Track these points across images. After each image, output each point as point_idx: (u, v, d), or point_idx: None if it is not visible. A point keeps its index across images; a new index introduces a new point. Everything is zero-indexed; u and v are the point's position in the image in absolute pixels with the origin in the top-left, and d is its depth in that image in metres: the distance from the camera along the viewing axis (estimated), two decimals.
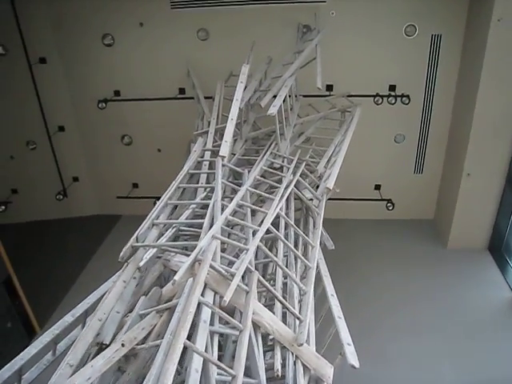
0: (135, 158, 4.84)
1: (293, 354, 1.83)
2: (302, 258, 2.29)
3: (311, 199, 2.84)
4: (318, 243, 2.50)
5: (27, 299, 3.53)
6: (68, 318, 2.04)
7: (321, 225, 2.65)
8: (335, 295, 2.36)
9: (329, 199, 2.88)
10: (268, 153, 3.05)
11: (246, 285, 1.84)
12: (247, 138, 3.34)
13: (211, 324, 1.69)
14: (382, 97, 4.20)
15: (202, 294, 1.70)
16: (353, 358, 1.92)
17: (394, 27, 4.00)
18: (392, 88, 4.21)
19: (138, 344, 1.57)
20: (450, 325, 3.60)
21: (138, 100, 4.50)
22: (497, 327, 3.59)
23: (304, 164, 3.05)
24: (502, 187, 4.07)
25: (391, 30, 4.02)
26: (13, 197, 4.98)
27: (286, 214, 2.59)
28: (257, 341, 1.78)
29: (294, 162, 2.99)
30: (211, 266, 1.74)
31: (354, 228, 4.70)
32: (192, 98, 4.12)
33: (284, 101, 3.35)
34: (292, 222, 2.53)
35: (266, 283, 1.93)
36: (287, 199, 2.71)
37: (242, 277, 1.87)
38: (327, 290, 2.39)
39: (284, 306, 1.96)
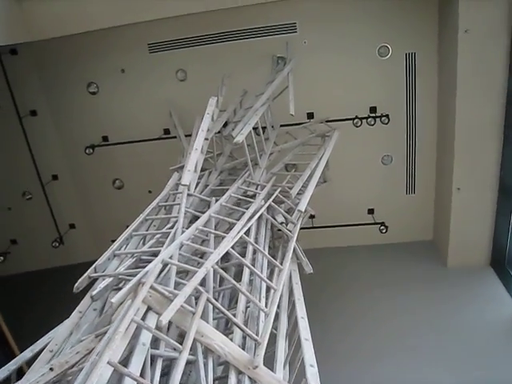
0: (128, 201, 4.85)
1: (250, 378, 1.76)
2: (266, 280, 2.23)
3: (282, 223, 2.80)
4: (287, 266, 2.44)
5: (22, 347, 3.50)
6: (27, 354, 2.01)
7: (292, 247, 2.60)
8: (305, 318, 2.28)
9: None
10: (240, 181, 3.05)
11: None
12: (223, 170, 3.36)
13: (156, 348, 1.65)
14: (360, 119, 4.20)
15: (144, 317, 1.67)
16: (314, 380, 1.83)
17: (368, 50, 4.05)
18: (373, 110, 4.22)
19: (70, 368, 1.53)
20: (457, 346, 3.46)
21: (126, 143, 4.61)
22: (505, 347, 3.42)
23: (279, 190, 3.03)
24: (495, 198, 3.95)
25: (365, 53, 4.07)
26: (12, 247, 5.04)
27: (256, 239, 2.56)
28: (206, 365, 1.72)
29: (267, 188, 2.97)
30: (153, 288, 1.71)
31: (351, 255, 4.58)
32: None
33: (259, 133, 3.40)
34: (261, 247, 2.49)
35: (219, 305, 1.88)
36: (258, 225, 2.68)
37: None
38: (298, 313, 2.31)
39: (240, 329, 1.90)
